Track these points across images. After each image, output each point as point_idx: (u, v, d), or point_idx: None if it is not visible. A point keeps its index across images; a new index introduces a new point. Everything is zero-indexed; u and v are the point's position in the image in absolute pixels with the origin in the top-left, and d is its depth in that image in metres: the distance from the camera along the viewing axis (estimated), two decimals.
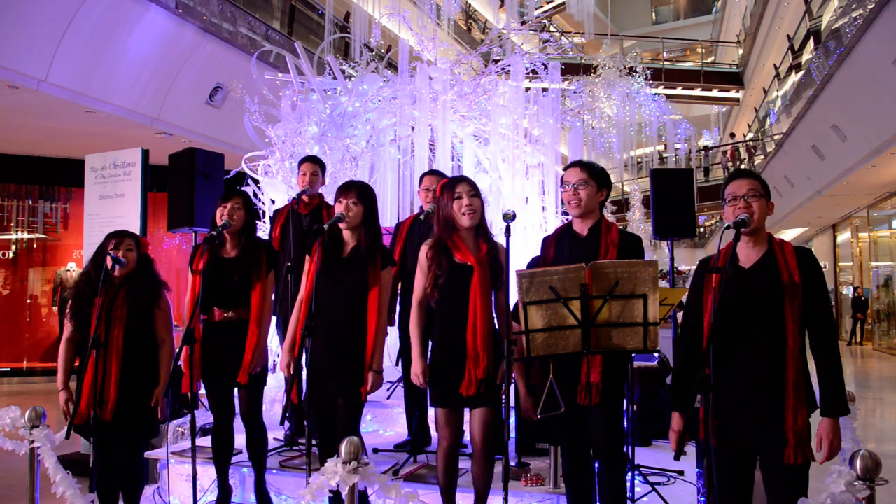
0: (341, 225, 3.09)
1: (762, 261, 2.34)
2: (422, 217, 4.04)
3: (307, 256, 3.16)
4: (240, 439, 3.54)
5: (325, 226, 3.00)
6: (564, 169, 2.88)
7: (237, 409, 3.50)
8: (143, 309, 3.26)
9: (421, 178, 4.17)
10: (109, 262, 3.21)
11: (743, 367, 2.29)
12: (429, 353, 3.03)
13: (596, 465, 2.77)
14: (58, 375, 3.30)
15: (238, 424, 3.48)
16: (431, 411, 4.11)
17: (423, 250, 2.99)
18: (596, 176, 2.82)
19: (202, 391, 3.47)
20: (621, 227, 2.96)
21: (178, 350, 3.09)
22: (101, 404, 3.12)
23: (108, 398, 3.12)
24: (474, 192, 2.96)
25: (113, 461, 3.23)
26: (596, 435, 2.72)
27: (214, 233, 3.33)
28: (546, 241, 2.94)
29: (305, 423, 3.24)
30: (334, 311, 3.02)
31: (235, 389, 3.45)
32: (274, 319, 4.03)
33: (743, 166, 20.20)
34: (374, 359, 3.02)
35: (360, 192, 3.11)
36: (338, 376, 3.02)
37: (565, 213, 6.33)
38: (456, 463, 3.02)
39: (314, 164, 4.23)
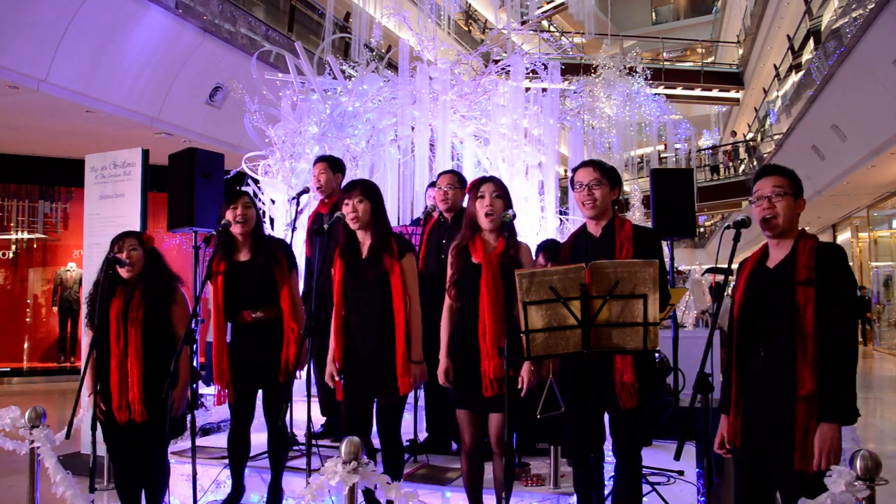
0: (353, 226, 3.06)
1: (785, 260, 2.27)
2: (422, 217, 4.02)
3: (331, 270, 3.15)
4: (255, 438, 3.54)
5: (325, 226, 3.00)
6: (574, 170, 2.87)
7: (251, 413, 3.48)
8: (158, 306, 3.23)
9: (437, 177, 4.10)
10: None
11: (757, 368, 2.26)
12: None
13: (604, 464, 2.77)
14: (86, 381, 3.23)
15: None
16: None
17: (450, 250, 3.03)
18: (608, 175, 2.81)
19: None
20: None
21: (177, 352, 3.02)
22: (124, 406, 3.10)
23: (132, 399, 3.09)
24: (498, 193, 2.94)
25: (142, 458, 3.22)
26: (620, 437, 2.70)
27: (214, 232, 3.31)
28: (562, 246, 2.95)
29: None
30: (364, 313, 3.02)
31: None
32: None
33: (742, 166, 20.22)
34: (413, 349, 2.99)
35: (364, 189, 3.08)
36: (375, 377, 3.00)
37: (563, 213, 6.33)
38: (478, 464, 3.00)
39: (321, 164, 4.26)
